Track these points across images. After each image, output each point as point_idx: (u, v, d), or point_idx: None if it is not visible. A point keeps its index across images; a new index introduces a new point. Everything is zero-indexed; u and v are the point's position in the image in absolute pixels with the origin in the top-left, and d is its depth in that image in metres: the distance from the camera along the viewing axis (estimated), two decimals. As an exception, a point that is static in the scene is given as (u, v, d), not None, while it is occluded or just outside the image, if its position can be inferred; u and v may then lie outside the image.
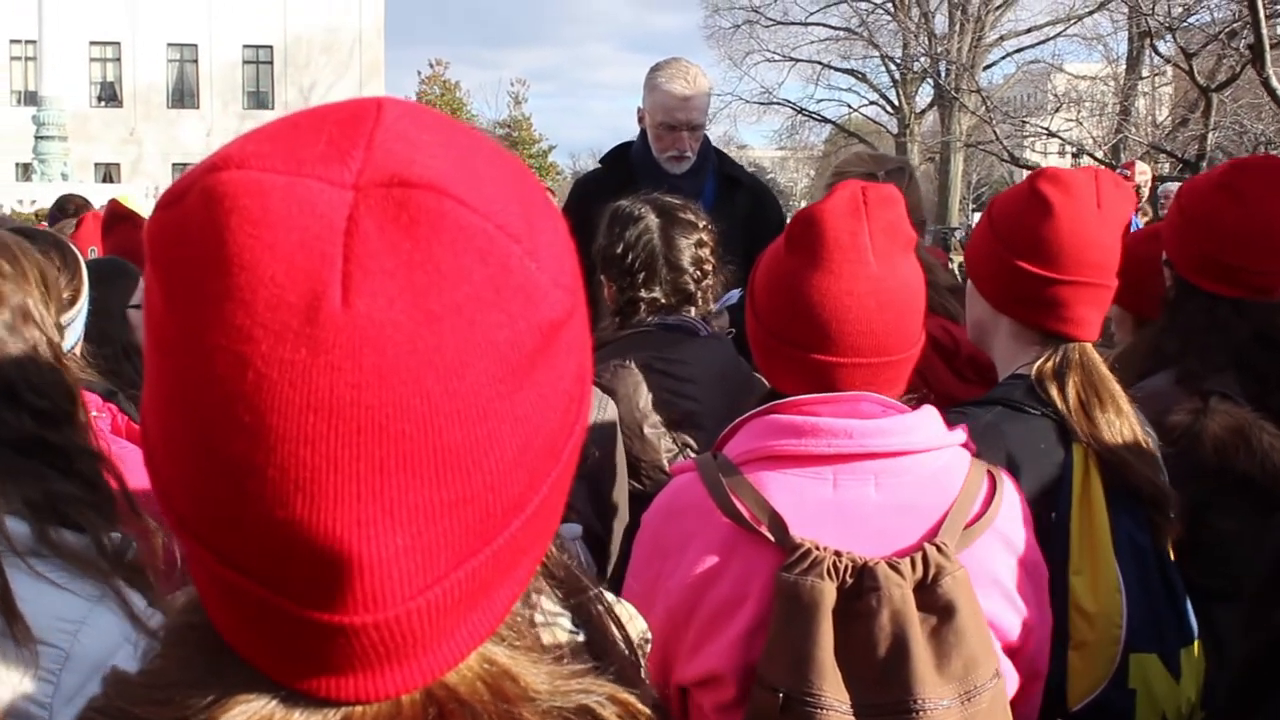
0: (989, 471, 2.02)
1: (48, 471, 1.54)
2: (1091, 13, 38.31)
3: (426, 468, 0.71)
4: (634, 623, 1.33)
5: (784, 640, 1.82)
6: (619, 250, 3.20)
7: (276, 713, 0.78)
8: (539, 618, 1.16)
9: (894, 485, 1.93)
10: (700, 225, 3.31)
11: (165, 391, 0.74)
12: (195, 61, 50.35)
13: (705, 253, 3.27)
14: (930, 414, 2.01)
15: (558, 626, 1.19)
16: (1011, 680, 1.98)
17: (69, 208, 8.53)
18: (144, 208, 8.26)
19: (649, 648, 1.41)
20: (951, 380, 3.15)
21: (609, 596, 1.29)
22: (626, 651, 1.22)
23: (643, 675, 1.28)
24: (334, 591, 0.72)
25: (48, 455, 1.55)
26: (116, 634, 1.48)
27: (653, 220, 3.22)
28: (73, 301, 2.47)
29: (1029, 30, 42.83)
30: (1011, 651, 2.01)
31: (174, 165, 47.58)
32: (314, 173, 0.71)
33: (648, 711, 0.89)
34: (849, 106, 49.43)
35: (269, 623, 0.75)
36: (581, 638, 1.18)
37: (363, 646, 0.74)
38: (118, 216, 4.78)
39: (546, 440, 0.78)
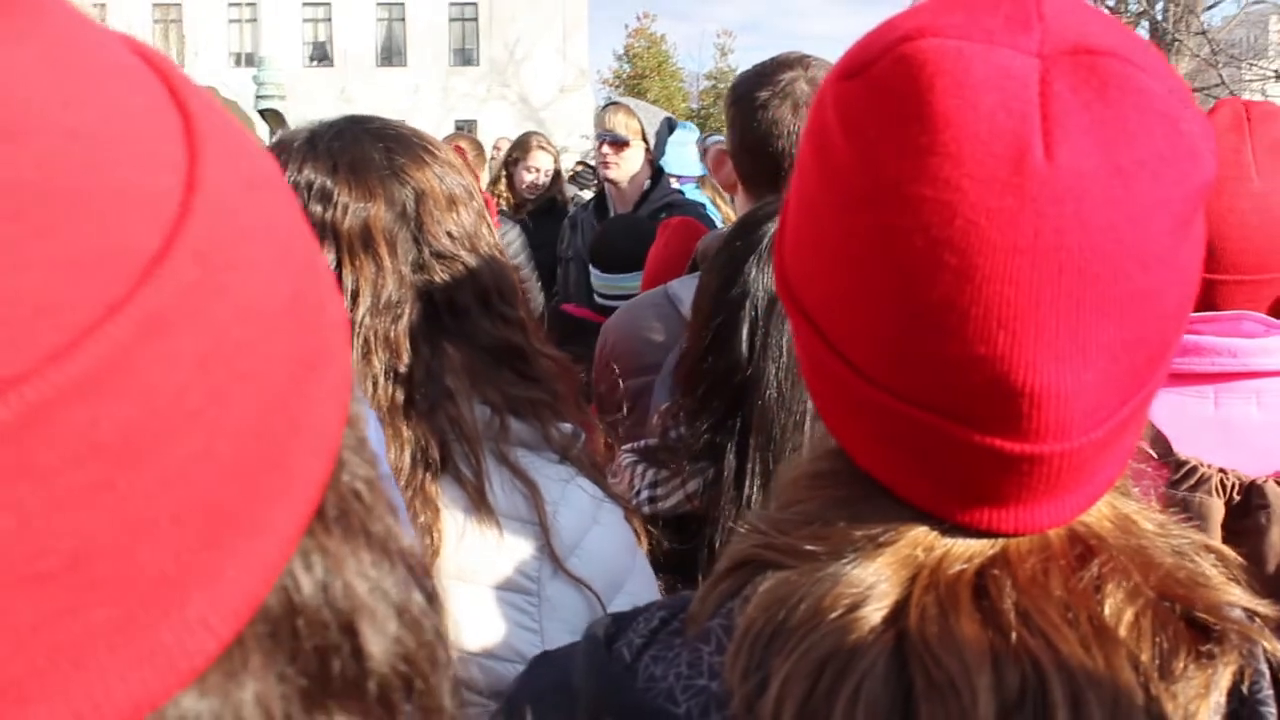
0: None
1: (512, 375, 1.63)
2: (1323, -52, 36.43)
3: (1115, 308, 0.75)
4: None
5: (1173, 555, 1.82)
6: None
7: (939, 542, 0.83)
8: None
9: (1276, 404, 1.90)
10: None
11: (850, 244, 0.79)
12: (403, 20, 51.40)
13: None
14: (1310, 333, 1.97)
15: None
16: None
17: None
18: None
19: None
20: None
21: None
22: None
23: None
24: (1027, 422, 0.76)
25: (512, 359, 1.64)
26: (586, 515, 1.58)
27: None
28: None
29: (1254, -32, 40.83)
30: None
31: (384, 123, 48.58)
32: (1005, 41, 0.77)
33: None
34: (1060, 50, 47.94)
35: (945, 456, 0.80)
36: None
37: (1037, 477, 0.79)
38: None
39: (1190, 294, 0.82)
